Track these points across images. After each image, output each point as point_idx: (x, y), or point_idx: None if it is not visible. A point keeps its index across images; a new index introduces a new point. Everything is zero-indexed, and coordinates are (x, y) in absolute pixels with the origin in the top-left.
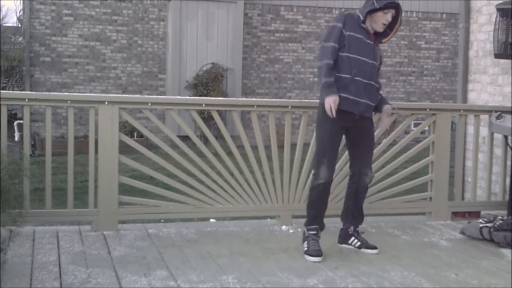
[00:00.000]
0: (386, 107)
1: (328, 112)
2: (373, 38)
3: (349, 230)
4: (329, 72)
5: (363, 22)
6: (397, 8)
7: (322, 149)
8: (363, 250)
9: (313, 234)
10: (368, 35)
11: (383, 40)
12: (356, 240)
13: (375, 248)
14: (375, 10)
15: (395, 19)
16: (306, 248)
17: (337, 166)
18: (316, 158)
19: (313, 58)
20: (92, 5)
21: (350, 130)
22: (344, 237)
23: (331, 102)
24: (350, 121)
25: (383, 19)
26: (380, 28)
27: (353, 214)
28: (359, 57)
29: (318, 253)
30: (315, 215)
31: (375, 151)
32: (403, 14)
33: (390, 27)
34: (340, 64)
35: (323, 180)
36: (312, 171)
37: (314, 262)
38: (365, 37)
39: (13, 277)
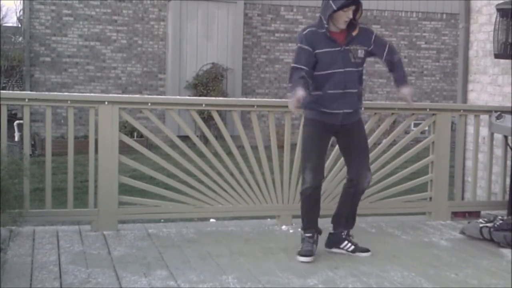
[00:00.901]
0: (403, 91)
1: (293, 105)
2: (342, 41)
3: (342, 234)
4: (296, 80)
5: (328, 28)
6: (355, 3)
7: (305, 154)
8: (357, 254)
9: (308, 237)
10: (334, 42)
11: (353, 33)
12: (349, 244)
13: (368, 250)
14: (335, 11)
15: (355, 10)
16: (299, 249)
17: (335, 167)
18: (301, 163)
19: None
20: (92, 5)
21: (339, 136)
22: (335, 242)
23: (294, 101)
24: (334, 128)
25: (344, 17)
26: (343, 25)
27: (347, 218)
28: (328, 71)
29: (308, 253)
30: (308, 219)
31: (375, 151)
32: (362, 5)
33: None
34: (312, 83)
35: (308, 184)
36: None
37: (302, 262)
38: (331, 46)
39: (13, 277)
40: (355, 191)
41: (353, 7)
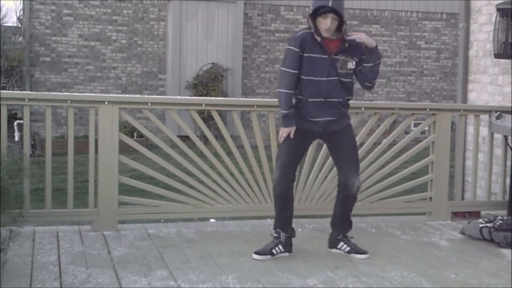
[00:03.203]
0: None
1: (280, 138)
2: (332, 49)
3: (338, 236)
4: (288, 103)
5: (319, 33)
6: (334, 11)
7: (279, 154)
8: (353, 255)
9: (274, 237)
10: (323, 49)
11: (346, 44)
12: (345, 245)
13: (366, 253)
14: (314, 16)
15: (342, 22)
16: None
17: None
18: (275, 163)
19: None
20: (92, 5)
21: (324, 140)
22: (333, 242)
23: (285, 132)
24: (316, 134)
25: (323, 24)
26: (324, 34)
27: (340, 221)
28: (312, 78)
29: (262, 251)
30: (278, 219)
31: (375, 151)
32: (345, 16)
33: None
34: (298, 86)
35: (275, 182)
36: None
37: (255, 259)
38: (319, 52)
39: (13, 277)
40: (344, 195)
41: (332, 15)
